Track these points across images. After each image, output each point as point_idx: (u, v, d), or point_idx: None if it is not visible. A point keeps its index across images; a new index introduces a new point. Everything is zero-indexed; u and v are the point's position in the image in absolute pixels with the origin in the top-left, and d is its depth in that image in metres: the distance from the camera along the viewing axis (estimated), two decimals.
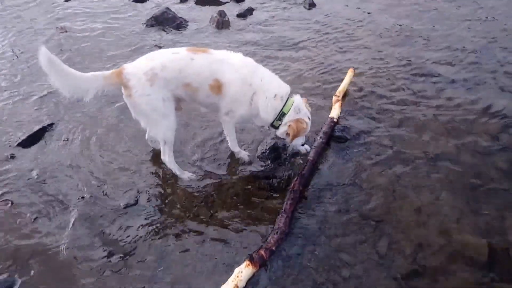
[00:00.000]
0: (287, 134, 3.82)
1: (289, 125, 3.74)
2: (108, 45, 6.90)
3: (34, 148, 4.59)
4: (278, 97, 3.69)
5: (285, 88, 3.79)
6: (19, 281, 3.15)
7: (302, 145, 4.17)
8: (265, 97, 3.67)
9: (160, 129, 3.71)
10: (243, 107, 3.74)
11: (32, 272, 3.24)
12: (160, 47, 6.73)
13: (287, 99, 3.78)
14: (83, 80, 3.45)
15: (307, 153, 4.16)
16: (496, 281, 3.01)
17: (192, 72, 3.55)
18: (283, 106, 3.73)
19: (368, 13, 7.81)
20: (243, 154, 4.24)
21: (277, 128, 3.85)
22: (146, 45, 6.89)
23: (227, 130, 4.06)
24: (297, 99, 3.83)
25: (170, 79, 3.52)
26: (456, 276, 3.07)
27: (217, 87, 3.60)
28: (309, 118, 3.86)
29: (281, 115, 3.74)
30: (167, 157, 3.90)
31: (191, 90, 3.64)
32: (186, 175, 4.03)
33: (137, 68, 3.49)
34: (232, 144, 4.17)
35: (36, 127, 4.86)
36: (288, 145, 4.19)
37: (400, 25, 7.19)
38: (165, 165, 4.02)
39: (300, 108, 3.79)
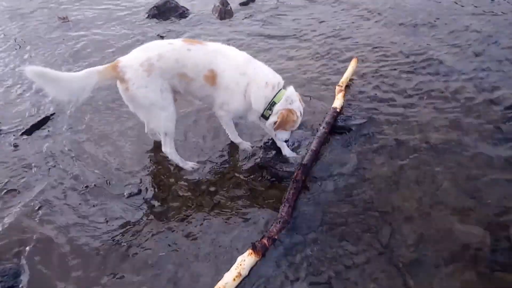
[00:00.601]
0: (275, 123, 3.69)
1: (280, 113, 3.63)
2: (110, 36, 6.89)
3: (37, 137, 4.61)
4: (269, 85, 3.64)
5: (277, 78, 3.75)
6: (24, 271, 3.18)
7: (287, 142, 4.03)
8: (257, 86, 3.63)
9: (160, 121, 3.69)
10: (237, 99, 3.69)
11: (37, 260, 3.27)
12: (162, 37, 6.72)
13: (279, 90, 3.71)
14: (78, 80, 3.33)
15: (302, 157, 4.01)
16: (498, 271, 3.01)
17: (189, 62, 3.54)
18: (274, 96, 3.66)
19: (373, 2, 7.75)
20: (246, 145, 4.23)
21: (267, 119, 3.75)
22: (148, 35, 6.86)
23: (224, 124, 4.04)
24: (290, 90, 3.74)
25: (166, 69, 3.50)
26: (458, 265, 3.07)
27: (212, 77, 3.59)
28: (301, 113, 3.75)
29: (272, 104, 3.66)
30: (168, 149, 3.89)
31: (186, 80, 3.62)
32: (189, 165, 4.03)
33: (133, 60, 3.45)
34: (233, 136, 4.16)
35: (40, 117, 4.87)
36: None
37: (404, 15, 7.13)
38: (165, 158, 4.03)
39: (292, 99, 3.68)
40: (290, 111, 3.63)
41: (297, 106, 3.71)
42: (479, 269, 3.04)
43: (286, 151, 4.13)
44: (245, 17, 7.46)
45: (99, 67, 3.45)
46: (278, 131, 3.76)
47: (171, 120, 3.72)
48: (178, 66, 3.53)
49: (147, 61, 3.42)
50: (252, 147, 4.24)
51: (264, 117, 3.77)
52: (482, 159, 3.97)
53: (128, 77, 3.41)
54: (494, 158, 3.97)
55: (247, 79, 3.62)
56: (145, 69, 3.41)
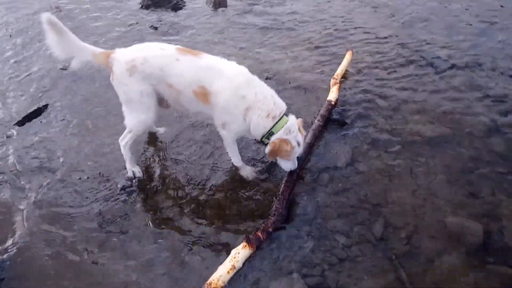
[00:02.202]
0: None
1: (271, 142, 3.43)
2: (103, 26, 6.80)
3: (30, 128, 4.56)
4: (271, 116, 3.38)
5: (279, 107, 3.46)
6: (7, 262, 3.17)
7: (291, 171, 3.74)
8: (258, 115, 3.38)
9: (132, 120, 3.61)
10: (237, 122, 3.46)
11: (27, 251, 3.25)
12: (156, 28, 6.65)
13: (281, 117, 3.45)
14: (76, 47, 3.40)
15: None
16: (490, 264, 3.05)
17: (174, 73, 3.36)
18: (274, 125, 3.41)
19: None
20: (248, 171, 3.89)
21: (266, 145, 3.53)
22: (141, 26, 6.79)
23: (226, 145, 3.77)
24: (292, 120, 3.47)
25: (150, 75, 3.37)
26: (451, 258, 3.10)
27: (203, 95, 3.36)
28: (298, 143, 3.48)
29: (270, 134, 3.44)
30: (124, 142, 3.77)
31: (175, 92, 3.45)
32: (133, 169, 3.90)
33: (122, 55, 3.42)
34: (235, 159, 3.87)
35: (32, 108, 4.82)
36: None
37: (400, 8, 7.11)
38: (160, 149, 4.01)
39: (291, 129, 3.42)
40: (284, 141, 3.39)
41: (294, 136, 3.44)
42: (472, 262, 3.07)
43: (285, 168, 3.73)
44: (240, 7, 7.40)
45: (97, 50, 3.47)
46: (280, 160, 3.57)
47: (142, 124, 3.63)
48: (163, 75, 3.37)
49: (132, 61, 3.36)
50: (256, 173, 3.91)
51: (263, 143, 3.59)
52: (476, 153, 4.00)
53: (113, 69, 3.42)
54: (488, 152, 3.99)
55: (247, 103, 3.36)
56: (128, 68, 3.36)
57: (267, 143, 3.49)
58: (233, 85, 3.33)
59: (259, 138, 3.54)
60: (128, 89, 3.43)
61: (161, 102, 3.61)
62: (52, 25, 3.25)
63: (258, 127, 3.44)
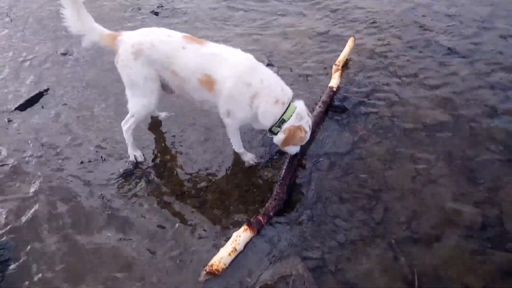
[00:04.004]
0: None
1: (288, 130, 3.42)
2: (103, 10, 6.75)
3: (31, 113, 4.56)
4: (280, 103, 3.36)
5: (288, 93, 3.45)
6: (12, 243, 3.21)
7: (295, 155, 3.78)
8: (266, 101, 3.34)
9: (135, 103, 3.61)
10: (242, 110, 3.41)
11: (30, 235, 3.29)
12: (157, 14, 6.60)
13: (289, 104, 3.45)
14: (87, 24, 3.43)
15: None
16: (489, 248, 3.09)
17: (179, 61, 3.35)
18: (284, 112, 3.40)
19: None
20: (249, 157, 3.89)
21: (275, 134, 3.51)
22: (142, 10, 6.73)
23: (230, 133, 3.73)
24: (300, 106, 3.48)
25: (155, 60, 3.37)
26: (450, 243, 3.15)
27: (208, 83, 3.34)
28: (309, 127, 3.53)
29: (281, 121, 3.42)
30: (126, 127, 3.77)
31: (179, 80, 3.44)
32: (134, 154, 3.91)
33: (129, 38, 3.41)
34: (237, 146, 3.84)
35: (33, 92, 4.82)
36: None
37: None
38: (161, 134, 4.02)
39: (302, 115, 3.44)
40: (298, 127, 3.41)
41: (306, 121, 3.48)
42: (471, 247, 3.12)
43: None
44: None
45: (104, 31, 3.49)
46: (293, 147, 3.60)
47: (145, 109, 3.64)
48: (168, 62, 3.36)
49: (139, 44, 3.35)
50: (256, 159, 3.91)
51: (272, 132, 3.54)
52: (476, 140, 4.02)
53: (119, 52, 3.42)
54: (488, 139, 4.01)
55: (253, 90, 3.31)
56: (133, 51, 3.35)
57: (277, 132, 3.46)
58: (238, 72, 3.29)
59: (268, 126, 3.48)
60: (132, 73, 3.43)
61: (165, 87, 3.61)
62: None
63: (267, 115, 3.40)
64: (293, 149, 3.62)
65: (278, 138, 3.49)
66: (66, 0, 3.29)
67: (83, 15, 3.38)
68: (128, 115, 3.72)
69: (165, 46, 3.36)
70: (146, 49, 3.34)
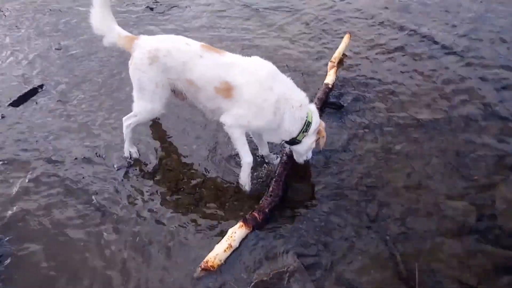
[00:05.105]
0: (317, 142, 3.51)
1: (319, 131, 3.44)
2: None
3: (25, 109, 4.53)
4: (304, 106, 3.33)
5: (304, 95, 3.40)
6: (4, 239, 3.20)
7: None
8: (291, 106, 3.26)
9: (140, 106, 3.58)
10: (263, 117, 3.25)
11: (24, 230, 3.28)
12: (152, 9, 6.56)
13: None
14: (108, 26, 3.47)
15: None
16: (483, 244, 3.10)
17: (197, 69, 3.28)
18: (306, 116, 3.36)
19: None
20: (248, 183, 3.59)
21: (299, 142, 3.41)
22: (137, 7, 6.69)
23: (236, 139, 3.41)
24: (313, 107, 3.48)
25: (171, 68, 3.32)
26: (444, 239, 3.16)
27: (226, 90, 3.22)
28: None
29: (307, 125, 3.35)
30: (127, 123, 3.73)
31: (194, 88, 3.36)
32: (130, 150, 3.89)
33: (146, 43, 3.39)
34: (246, 154, 3.47)
35: (27, 88, 4.78)
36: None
37: None
38: (157, 131, 4.00)
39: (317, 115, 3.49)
40: (322, 125, 3.51)
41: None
42: (465, 243, 3.13)
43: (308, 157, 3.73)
44: None
45: (123, 32, 3.50)
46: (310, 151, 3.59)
47: (150, 113, 3.64)
48: (185, 70, 3.30)
49: (156, 51, 3.31)
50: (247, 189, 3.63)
51: (294, 141, 3.42)
52: (470, 136, 4.03)
53: (134, 55, 3.39)
54: (482, 135, 4.03)
55: (276, 96, 3.21)
56: (149, 56, 3.32)
57: (302, 138, 3.39)
58: (259, 77, 3.22)
59: (295, 134, 3.35)
60: (145, 77, 3.39)
61: (178, 94, 3.54)
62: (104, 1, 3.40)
63: (296, 121, 3.31)
64: (310, 153, 3.64)
65: (308, 143, 3.44)
66: (97, 0, 3.36)
67: (107, 17, 3.44)
68: (132, 113, 3.70)
69: (182, 54, 3.31)
70: (162, 56, 3.30)
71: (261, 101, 3.21)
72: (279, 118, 3.27)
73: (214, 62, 3.28)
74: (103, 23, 3.45)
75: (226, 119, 3.33)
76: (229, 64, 3.27)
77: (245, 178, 3.54)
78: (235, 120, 3.31)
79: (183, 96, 3.54)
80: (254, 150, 3.90)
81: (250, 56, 3.39)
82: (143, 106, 3.56)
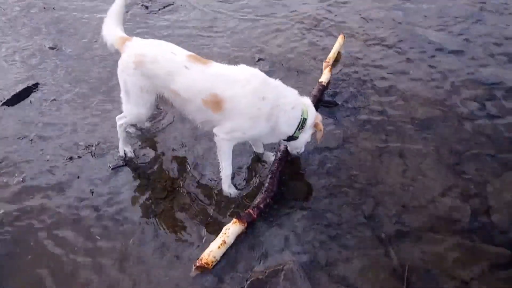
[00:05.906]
0: (314, 136, 3.54)
1: (316, 124, 3.42)
2: (92, 3, 6.66)
3: (19, 108, 4.51)
4: (296, 107, 3.29)
5: (296, 95, 3.37)
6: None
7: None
8: (284, 110, 3.23)
9: (126, 109, 3.57)
10: (257, 126, 3.22)
11: (19, 230, 3.28)
12: (147, 7, 6.54)
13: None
14: (112, 29, 3.50)
15: None
16: (477, 242, 3.12)
17: (181, 81, 3.19)
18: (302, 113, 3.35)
19: None
20: (233, 191, 3.57)
21: (296, 138, 3.42)
22: (132, 4, 6.67)
23: (223, 152, 3.39)
24: (307, 101, 3.44)
25: (155, 76, 3.25)
26: (439, 236, 3.17)
27: (215, 102, 3.14)
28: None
29: (303, 121, 3.34)
30: (119, 123, 3.73)
31: (180, 99, 3.29)
32: (124, 150, 3.89)
33: (135, 46, 3.34)
34: (227, 169, 3.46)
35: (21, 86, 4.75)
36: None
37: None
38: (152, 129, 4.00)
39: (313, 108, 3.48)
40: (318, 117, 3.49)
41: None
42: (459, 240, 3.14)
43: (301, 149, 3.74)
44: None
45: (119, 33, 3.47)
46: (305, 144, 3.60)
47: (136, 117, 3.60)
48: (168, 80, 3.22)
49: (142, 56, 3.25)
50: (234, 195, 3.57)
51: (292, 138, 3.42)
52: (465, 135, 4.05)
53: (122, 56, 3.37)
54: (476, 134, 4.05)
55: (270, 104, 3.16)
56: (135, 60, 3.26)
57: (297, 136, 3.39)
58: (251, 88, 3.13)
59: (292, 132, 3.36)
60: (129, 81, 3.35)
61: (166, 102, 3.48)
62: (120, 6, 3.54)
63: (291, 122, 3.31)
64: (304, 147, 3.64)
65: (305, 137, 3.46)
66: (114, 8, 3.50)
67: (116, 23, 3.50)
68: (122, 114, 3.69)
69: (168, 63, 3.23)
70: (148, 62, 3.23)
71: (255, 112, 3.16)
72: (274, 124, 3.25)
73: (201, 74, 3.18)
74: (109, 28, 3.48)
75: (219, 132, 3.29)
76: (217, 75, 3.19)
77: (226, 188, 3.52)
78: (229, 133, 3.27)
79: (171, 104, 3.47)
80: (250, 146, 3.93)
81: (237, 65, 3.29)
82: (129, 109, 3.54)
